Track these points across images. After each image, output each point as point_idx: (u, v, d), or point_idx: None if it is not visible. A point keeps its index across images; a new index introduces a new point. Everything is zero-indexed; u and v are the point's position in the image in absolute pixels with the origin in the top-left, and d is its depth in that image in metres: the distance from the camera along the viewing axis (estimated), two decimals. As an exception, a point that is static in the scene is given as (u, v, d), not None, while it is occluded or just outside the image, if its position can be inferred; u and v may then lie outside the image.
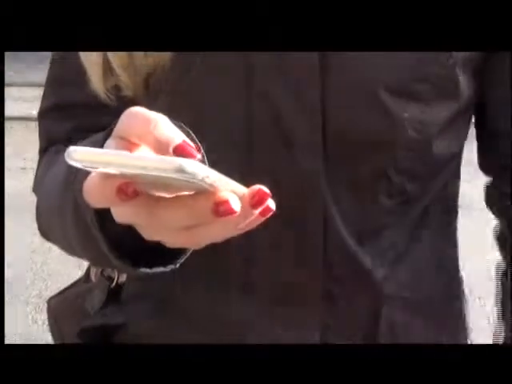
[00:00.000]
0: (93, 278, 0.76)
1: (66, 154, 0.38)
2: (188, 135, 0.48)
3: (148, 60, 0.60)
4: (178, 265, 0.52)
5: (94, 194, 0.41)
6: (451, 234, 0.74)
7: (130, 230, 0.47)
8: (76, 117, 0.67)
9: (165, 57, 0.59)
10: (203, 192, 0.40)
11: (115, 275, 0.72)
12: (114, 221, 0.46)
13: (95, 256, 0.58)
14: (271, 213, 0.42)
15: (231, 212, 0.40)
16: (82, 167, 0.39)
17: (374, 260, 0.65)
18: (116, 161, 0.37)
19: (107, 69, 0.61)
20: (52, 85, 0.70)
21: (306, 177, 0.61)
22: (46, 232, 0.69)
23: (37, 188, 0.71)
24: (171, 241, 0.45)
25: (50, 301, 0.80)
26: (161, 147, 0.41)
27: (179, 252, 0.52)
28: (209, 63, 0.60)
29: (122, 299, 0.72)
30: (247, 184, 0.42)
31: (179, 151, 0.40)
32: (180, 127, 0.46)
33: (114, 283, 0.72)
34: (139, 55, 0.59)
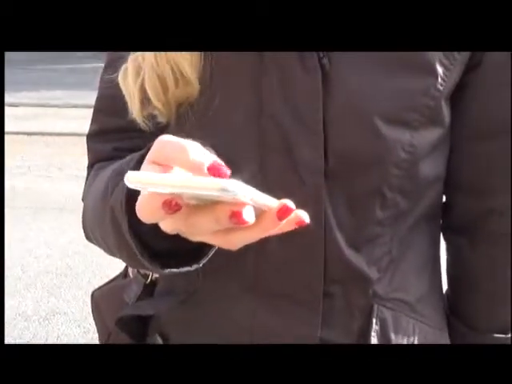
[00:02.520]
0: (130, 274, 0.87)
1: (125, 178, 0.43)
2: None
3: (179, 92, 0.68)
4: (201, 264, 0.59)
5: (144, 211, 0.47)
6: (437, 240, 0.81)
7: (159, 237, 0.55)
8: (116, 140, 0.78)
9: (193, 89, 0.68)
10: (226, 202, 0.46)
11: (150, 273, 0.83)
12: (145, 230, 0.57)
13: (130, 258, 0.65)
14: (305, 224, 0.49)
15: (243, 222, 0.46)
16: (136, 188, 0.44)
17: (369, 265, 0.72)
18: (166, 182, 0.43)
19: (144, 100, 0.70)
20: (98, 113, 0.81)
21: (309, 192, 0.67)
22: (89, 235, 0.78)
23: (84, 198, 0.80)
24: (210, 242, 0.52)
25: (93, 293, 0.92)
26: (195, 168, 0.46)
27: (203, 254, 0.59)
28: (227, 94, 0.68)
29: (154, 294, 0.83)
30: None
31: (212, 170, 0.46)
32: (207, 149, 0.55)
33: (148, 280, 0.83)
34: (171, 88, 0.68)
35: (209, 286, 0.75)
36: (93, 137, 0.82)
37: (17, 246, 3.49)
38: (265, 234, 0.49)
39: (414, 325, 0.75)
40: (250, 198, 0.44)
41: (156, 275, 0.84)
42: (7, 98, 6.51)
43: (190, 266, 0.59)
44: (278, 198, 0.54)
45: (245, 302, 0.73)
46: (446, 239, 0.83)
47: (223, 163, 0.47)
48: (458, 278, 0.83)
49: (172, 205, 0.45)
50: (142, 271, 0.84)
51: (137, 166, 0.58)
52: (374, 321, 0.72)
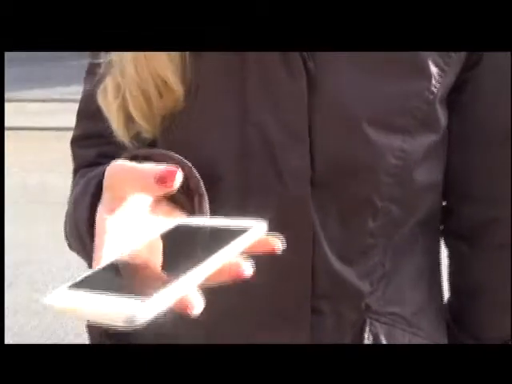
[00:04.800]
0: None
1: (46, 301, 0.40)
2: (189, 169, 0.55)
3: (163, 102, 0.66)
4: None
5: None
6: (436, 250, 0.77)
7: None
8: (99, 145, 0.75)
9: (177, 97, 0.65)
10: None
11: None
12: None
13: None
14: (277, 251, 0.48)
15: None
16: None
17: (360, 278, 0.68)
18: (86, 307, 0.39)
19: (128, 119, 0.67)
20: (80, 117, 0.79)
21: (294, 202, 0.64)
22: (69, 243, 0.75)
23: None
24: None
25: None
26: (145, 180, 0.45)
27: None
28: (209, 102, 0.66)
29: None
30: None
31: (160, 180, 0.45)
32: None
33: None
34: (155, 100, 0.65)
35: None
36: (76, 141, 0.80)
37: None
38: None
39: (410, 339, 0.72)
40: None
41: None
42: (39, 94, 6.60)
43: None
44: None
45: (236, 319, 0.70)
46: (447, 245, 0.79)
47: (174, 169, 0.45)
48: (459, 286, 0.80)
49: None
50: None
51: (96, 191, 0.58)
52: (366, 336, 0.69)
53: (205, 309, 0.70)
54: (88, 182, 0.65)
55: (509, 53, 0.65)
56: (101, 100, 0.69)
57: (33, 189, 4.43)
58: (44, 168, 4.89)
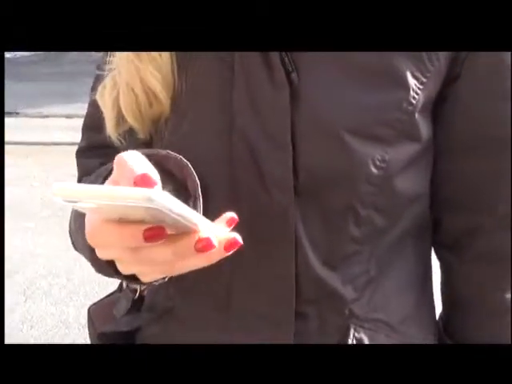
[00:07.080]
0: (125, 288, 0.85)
1: (52, 190, 0.41)
2: (189, 171, 0.58)
3: (152, 109, 0.69)
4: (166, 279, 0.57)
5: (111, 239, 0.46)
6: (426, 257, 0.78)
7: None
8: (101, 155, 0.79)
9: (165, 107, 0.68)
10: (185, 231, 0.46)
11: (138, 288, 0.80)
12: None
13: (100, 270, 0.65)
14: (240, 244, 0.49)
15: (211, 247, 0.46)
16: (63, 202, 0.42)
17: (344, 284, 0.69)
18: (90, 194, 0.41)
19: (120, 117, 0.70)
20: (85, 129, 0.84)
21: (278, 208, 0.66)
22: (75, 246, 0.78)
23: None
24: (149, 273, 0.52)
25: (89, 308, 0.91)
26: (129, 181, 0.46)
27: None
28: (198, 110, 0.68)
29: (142, 309, 0.81)
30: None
31: (138, 183, 0.45)
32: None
33: (137, 295, 0.81)
34: (145, 106, 0.68)
35: (184, 303, 0.75)
36: (81, 153, 0.84)
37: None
38: (208, 262, 0.49)
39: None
40: (177, 212, 0.42)
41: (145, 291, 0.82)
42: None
43: (156, 282, 0.57)
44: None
45: (218, 321, 0.72)
46: (437, 256, 0.80)
47: (153, 176, 0.45)
48: (448, 296, 0.80)
49: (157, 233, 0.45)
50: (131, 286, 0.83)
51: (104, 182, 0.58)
52: (350, 341, 0.70)
53: (183, 309, 0.74)
54: (97, 177, 0.68)
55: (485, 70, 0.66)
56: (98, 95, 0.71)
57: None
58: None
